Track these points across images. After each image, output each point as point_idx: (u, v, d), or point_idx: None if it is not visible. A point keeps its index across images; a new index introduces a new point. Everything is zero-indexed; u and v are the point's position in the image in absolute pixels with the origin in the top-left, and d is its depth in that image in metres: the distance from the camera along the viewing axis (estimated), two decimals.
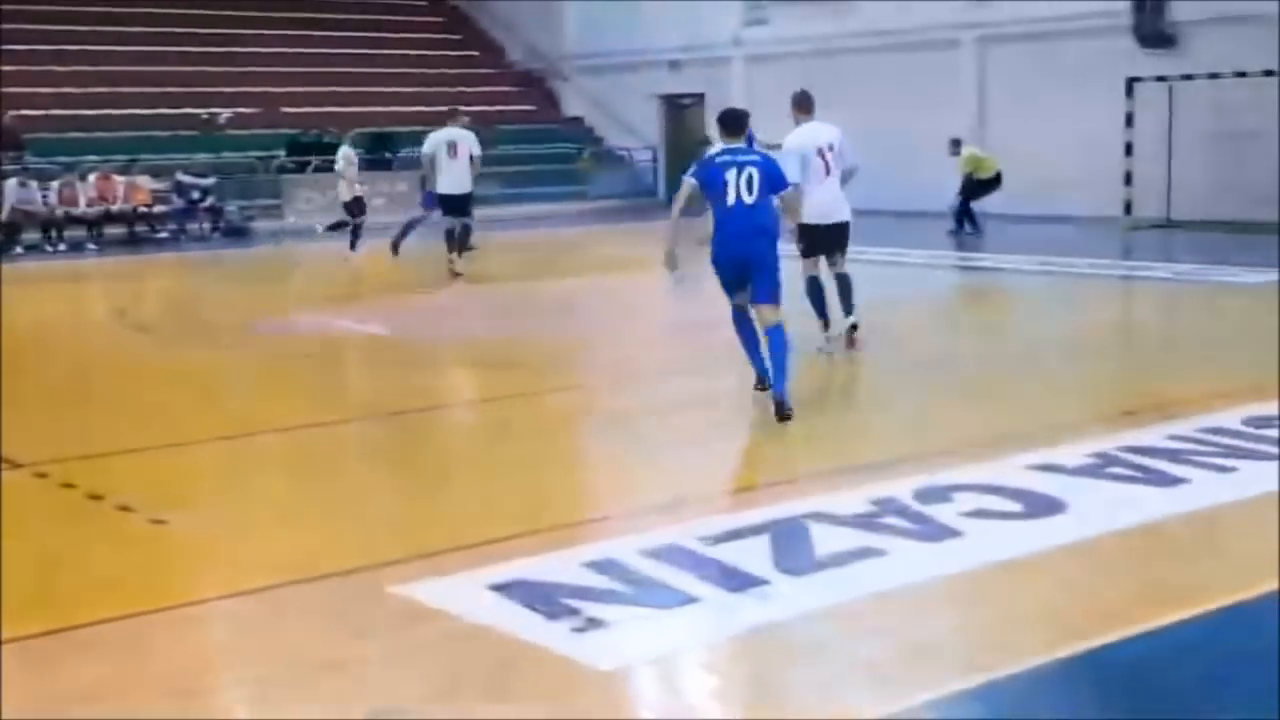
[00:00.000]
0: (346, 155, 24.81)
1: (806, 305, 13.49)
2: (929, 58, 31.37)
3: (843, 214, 13.71)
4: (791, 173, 12.09)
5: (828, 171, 13.48)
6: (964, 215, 26.48)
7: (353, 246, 24.39)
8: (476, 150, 21.89)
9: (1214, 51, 26.44)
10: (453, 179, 21.70)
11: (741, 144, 11.42)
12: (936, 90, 30.33)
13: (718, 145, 11.64)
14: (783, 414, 10.48)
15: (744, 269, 10.97)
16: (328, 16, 39.97)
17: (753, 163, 10.98)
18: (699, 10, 36.70)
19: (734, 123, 11.41)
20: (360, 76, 38.06)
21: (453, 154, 21.63)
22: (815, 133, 13.59)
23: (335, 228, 25.51)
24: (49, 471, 9.56)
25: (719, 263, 11.12)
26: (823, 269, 13.81)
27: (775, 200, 11.16)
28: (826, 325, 13.69)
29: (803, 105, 13.82)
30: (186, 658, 6.29)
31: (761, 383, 11.30)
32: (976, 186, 26.52)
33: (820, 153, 13.46)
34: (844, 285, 13.81)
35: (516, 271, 22.76)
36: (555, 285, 20.99)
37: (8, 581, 7.05)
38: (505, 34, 42.35)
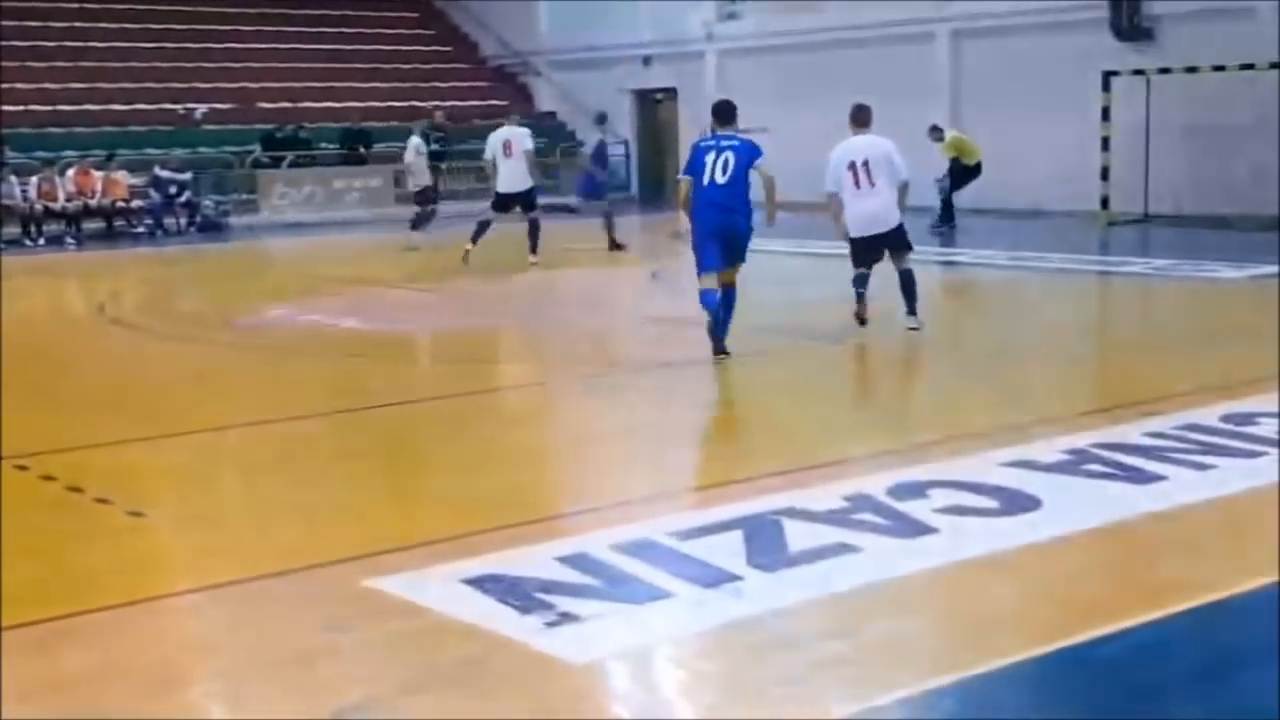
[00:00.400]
0: (416, 145, 25.45)
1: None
2: (902, 52, 31.36)
3: (883, 225, 14.13)
4: (827, 183, 14.03)
5: (857, 185, 13.97)
6: (950, 206, 26.40)
7: (415, 226, 25.19)
8: (529, 145, 22.42)
9: (1191, 45, 26.48)
10: (511, 177, 22.18)
11: (731, 131, 13.06)
12: (910, 85, 30.29)
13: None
14: (720, 352, 12.59)
15: (719, 237, 12.66)
16: (303, 12, 39.93)
17: (731, 147, 12.74)
18: (671, 5, 36.71)
19: (725, 112, 13.30)
20: (335, 72, 38.02)
21: (508, 153, 22.11)
22: (851, 147, 14.14)
23: (418, 224, 25.58)
24: (29, 464, 9.55)
25: (697, 234, 12.85)
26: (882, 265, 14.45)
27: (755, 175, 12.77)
28: (862, 313, 14.26)
29: (856, 118, 14.38)
30: (162, 650, 6.29)
31: (719, 350, 12.72)
32: (961, 173, 26.17)
33: (852, 167, 13.96)
34: (905, 281, 14.26)
35: (496, 264, 22.68)
36: (526, 279, 20.95)
37: None
38: (478, 29, 42.31)
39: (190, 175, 30.47)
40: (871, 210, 14.04)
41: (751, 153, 12.81)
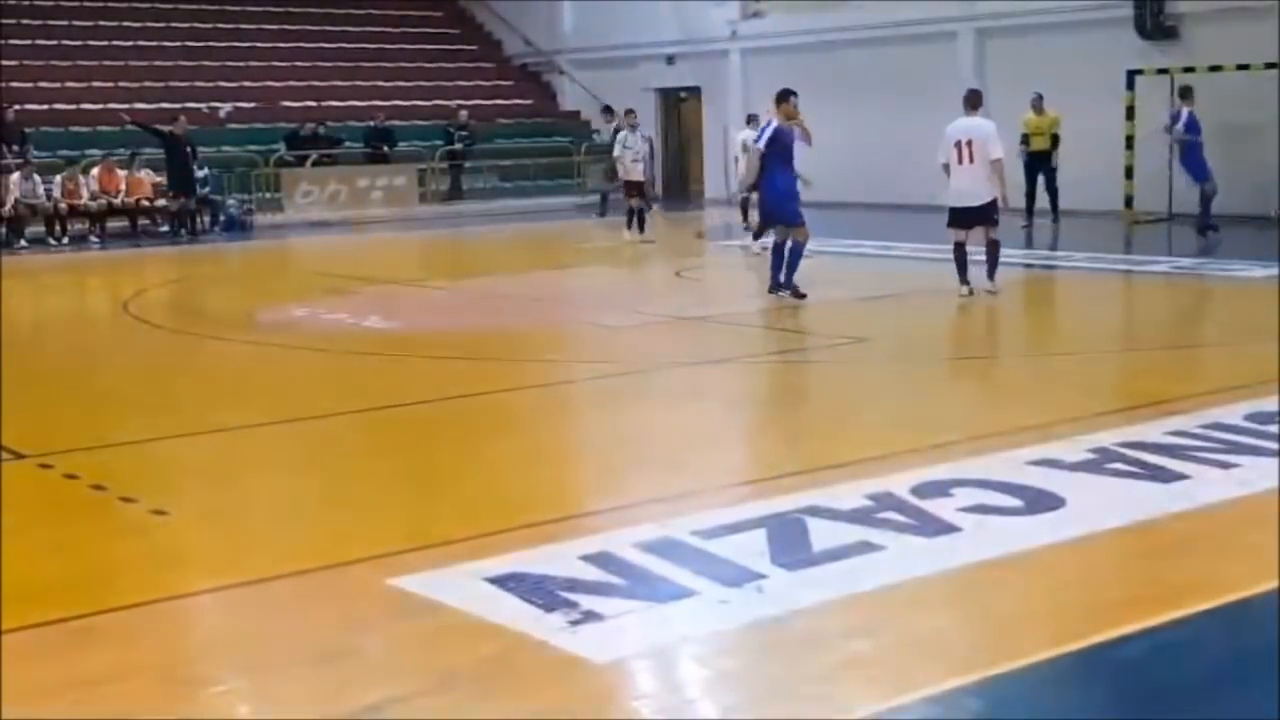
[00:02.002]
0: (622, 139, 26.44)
1: None
2: (927, 51, 31.32)
3: (974, 199, 16.37)
4: (939, 155, 16.59)
5: (960, 160, 16.24)
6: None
7: (638, 227, 25.68)
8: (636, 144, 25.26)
9: (1215, 44, 26.42)
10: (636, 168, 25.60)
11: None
12: (934, 83, 30.24)
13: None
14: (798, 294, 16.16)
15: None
16: (327, 11, 39.99)
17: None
18: (695, 4, 36.69)
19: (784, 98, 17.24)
20: (359, 71, 38.08)
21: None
22: (959, 126, 16.52)
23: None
24: (53, 462, 9.59)
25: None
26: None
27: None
28: (964, 283, 16.49)
29: (969, 101, 16.93)
30: (184, 649, 6.31)
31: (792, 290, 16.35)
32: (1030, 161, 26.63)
33: (957, 144, 16.30)
34: (990, 251, 16.65)
35: (512, 265, 22.73)
36: (550, 277, 20.98)
37: (10, 571, 7.06)
38: (503, 28, 42.34)
39: (206, 172, 30.45)
40: (965, 185, 16.33)
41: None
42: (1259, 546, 7.05)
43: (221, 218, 30.50)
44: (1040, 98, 26.76)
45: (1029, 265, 20.63)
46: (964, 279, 16.48)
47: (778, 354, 13.24)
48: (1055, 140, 26.80)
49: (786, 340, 13.73)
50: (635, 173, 25.80)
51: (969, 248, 16.58)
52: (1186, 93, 23.61)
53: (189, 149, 29.03)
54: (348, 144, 34.27)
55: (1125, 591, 6.71)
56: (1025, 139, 26.58)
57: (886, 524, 7.52)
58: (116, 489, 8.89)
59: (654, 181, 32.14)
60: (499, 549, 7.19)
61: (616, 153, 26.59)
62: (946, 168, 16.51)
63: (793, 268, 16.51)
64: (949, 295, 15.56)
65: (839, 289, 18.03)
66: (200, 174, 30.20)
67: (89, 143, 30.85)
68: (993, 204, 16.43)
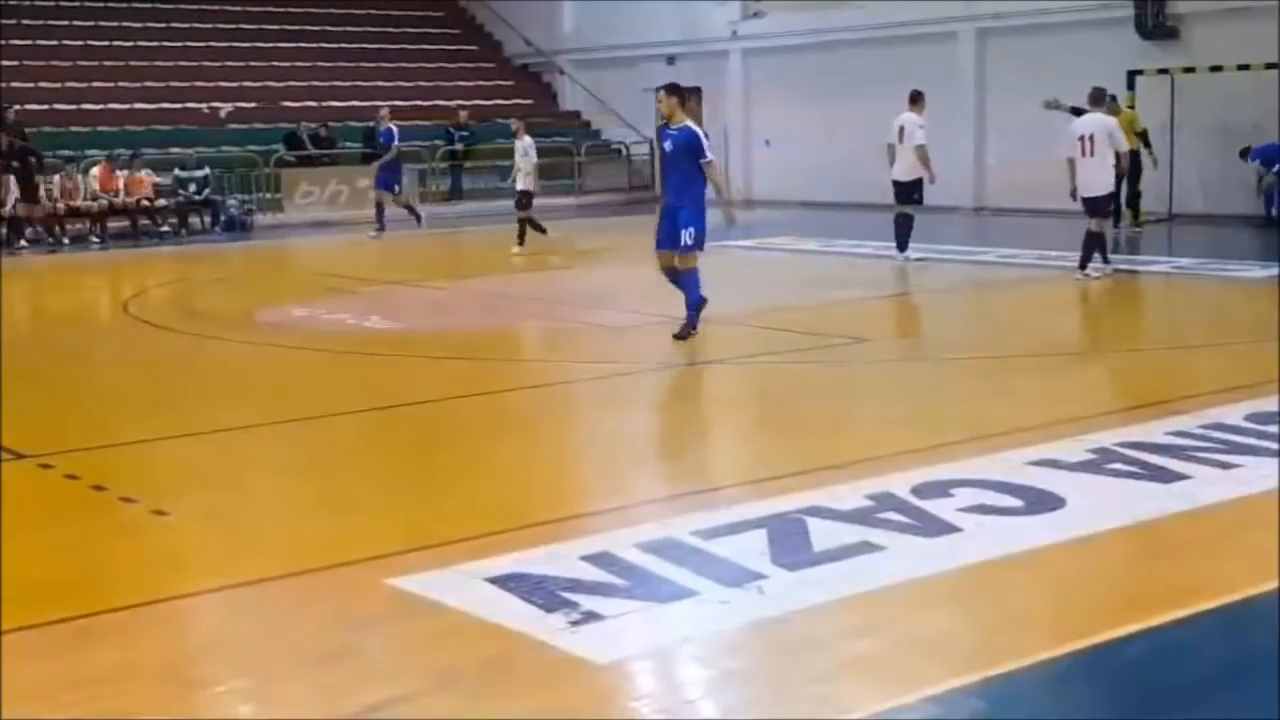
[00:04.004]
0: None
1: None
2: (927, 50, 31.28)
3: (1092, 190, 18.02)
4: (1066, 149, 18.17)
5: (1083, 154, 17.84)
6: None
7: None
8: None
9: (1216, 44, 26.42)
10: None
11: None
12: (935, 83, 30.22)
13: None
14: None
15: None
16: (327, 11, 39.94)
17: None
18: (695, 4, 36.68)
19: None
20: (359, 71, 38.03)
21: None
22: (1083, 122, 18.22)
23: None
24: (53, 462, 9.59)
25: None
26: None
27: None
28: (1106, 261, 18.55)
29: (1093, 98, 18.63)
30: (185, 649, 6.33)
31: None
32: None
33: (1080, 139, 17.93)
34: (1086, 239, 18.17)
35: (512, 265, 22.72)
36: (550, 277, 20.99)
37: (10, 571, 7.06)
38: (503, 28, 42.31)
39: (207, 172, 30.44)
40: (1086, 178, 17.96)
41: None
42: (1259, 546, 7.05)
43: (221, 218, 30.48)
44: (1113, 97, 25.32)
45: (1029, 265, 20.60)
46: (1105, 259, 18.46)
47: (778, 354, 13.23)
48: (1144, 137, 25.51)
49: (786, 340, 13.72)
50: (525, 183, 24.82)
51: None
52: None
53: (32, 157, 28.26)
54: (348, 144, 34.25)
55: (1125, 591, 6.72)
56: (1075, 110, 25.13)
57: (887, 524, 7.53)
58: (117, 489, 8.90)
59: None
60: (499, 549, 7.20)
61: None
62: (1071, 161, 17.97)
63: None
64: (949, 295, 15.54)
65: (839, 289, 18.05)
66: (200, 174, 30.20)
67: (89, 143, 30.81)
68: (1107, 197, 18.33)
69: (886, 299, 17.75)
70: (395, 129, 28.43)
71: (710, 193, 13.72)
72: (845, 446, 9.66)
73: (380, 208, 28.40)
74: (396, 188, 28.53)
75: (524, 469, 9.43)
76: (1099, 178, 17.99)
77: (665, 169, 13.98)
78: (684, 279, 13.78)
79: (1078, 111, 19.41)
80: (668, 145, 13.85)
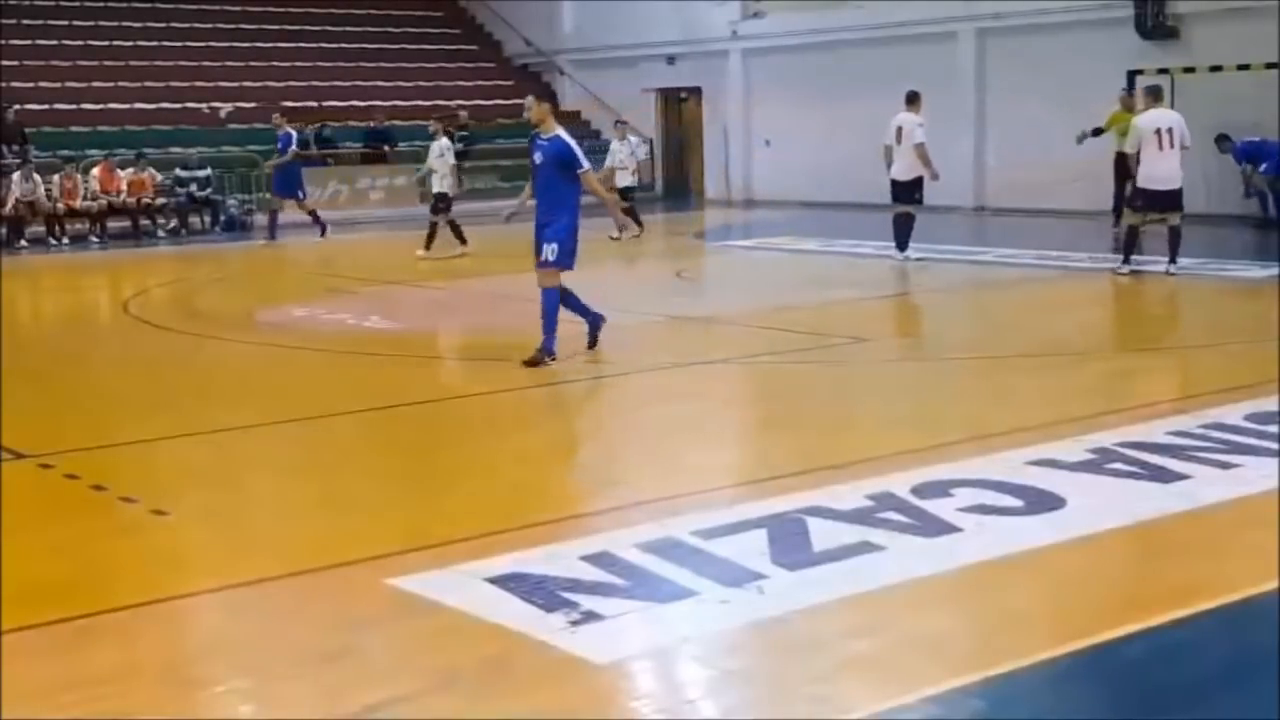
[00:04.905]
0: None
1: None
2: (927, 50, 31.28)
3: (1172, 183, 18.16)
4: (1128, 144, 18.90)
5: (1160, 147, 17.90)
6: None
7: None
8: None
9: (1216, 44, 26.45)
10: None
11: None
12: (935, 83, 30.24)
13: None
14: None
15: None
16: (327, 11, 39.97)
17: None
18: (695, 4, 36.68)
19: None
20: (359, 71, 38.05)
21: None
22: (1157, 117, 18.22)
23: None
24: (53, 462, 9.60)
25: None
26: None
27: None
28: (1126, 261, 18.78)
29: (1153, 95, 18.79)
30: (185, 649, 6.33)
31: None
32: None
33: (1157, 132, 17.94)
34: (1171, 236, 18.34)
35: (512, 265, 22.69)
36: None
37: (10, 571, 7.07)
38: (502, 28, 42.32)
39: (209, 173, 30.44)
40: (1166, 171, 18.07)
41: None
42: (1259, 546, 7.05)
43: (221, 218, 30.49)
44: (1130, 93, 25.19)
45: (1029, 265, 20.59)
46: (1127, 259, 18.68)
47: (778, 354, 13.23)
48: None
49: (786, 340, 13.72)
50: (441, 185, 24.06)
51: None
52: None
53: None
54: (348, 144, 34.27)
55: (1125, 591, 6.72)
56: (1097, 131, 24.77)
57: (887, 524, 7.53)
58: (117, 489, 8.90)
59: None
60: (499, 549, 7.20)
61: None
62: (1137, 156, 18.24)
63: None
64: (949, 295, 15.53)
65: (839, 289, 18.05)
66: (201, 174, 30.21)
67: (89, 143, 30.83)
68: (1181, 191, 18.33)
69: (886, 299, 17.75)
70: (294, 133, 27.73)
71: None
72: (845, 446, 9.66)
73: (274, 216, 27.77)
74: (300, 193, 27.78)
75: (524, 469, 9.42)
76: (1175, 171, 18.17)
77: (535, 181, 13.02)
78: (543, 297, 12.94)
79: (1098, 132, 20.74)
80: (537, 156, 12.94)
